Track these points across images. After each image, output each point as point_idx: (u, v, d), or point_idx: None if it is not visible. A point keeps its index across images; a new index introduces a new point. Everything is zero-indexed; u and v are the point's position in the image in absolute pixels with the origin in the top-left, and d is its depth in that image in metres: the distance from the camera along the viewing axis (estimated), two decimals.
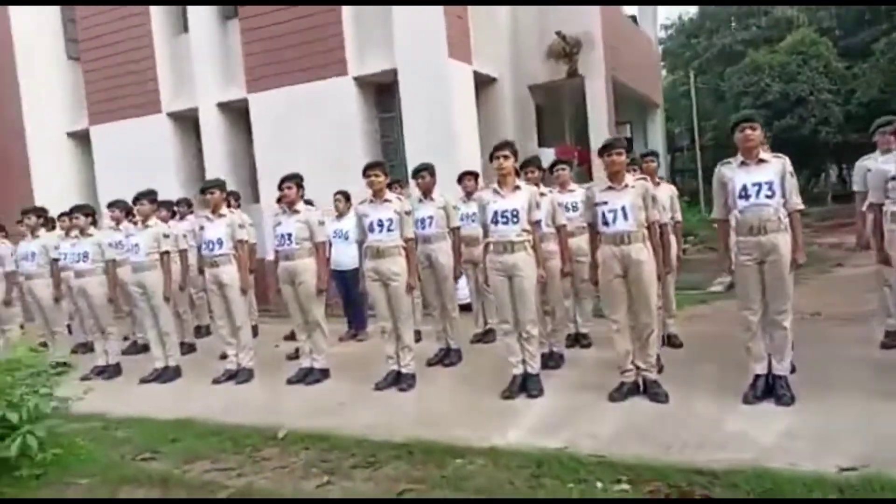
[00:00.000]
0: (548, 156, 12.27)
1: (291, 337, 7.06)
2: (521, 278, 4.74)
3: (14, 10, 12.58)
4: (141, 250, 6.09)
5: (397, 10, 9.49)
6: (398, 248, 5.22)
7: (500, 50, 11.08)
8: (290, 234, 5.60)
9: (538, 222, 4.94)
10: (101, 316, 6.45)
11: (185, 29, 11.83)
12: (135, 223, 6.53)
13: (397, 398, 5.16)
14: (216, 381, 6.04)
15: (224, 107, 11.38)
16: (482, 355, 6.23)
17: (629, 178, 4.57)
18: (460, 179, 6.76)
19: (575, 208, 5.84)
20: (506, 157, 4.82)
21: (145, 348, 7.78)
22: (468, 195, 6.56)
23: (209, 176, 11.35)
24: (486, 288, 5.37)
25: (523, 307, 4.77)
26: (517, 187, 4.85)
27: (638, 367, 4.60)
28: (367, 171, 5.22)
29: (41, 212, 7.63)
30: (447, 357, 5.98)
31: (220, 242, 5.88)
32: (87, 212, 6.54)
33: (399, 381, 5.30)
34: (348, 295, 7.53)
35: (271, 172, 9.45)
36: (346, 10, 9.98)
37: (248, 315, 6.42)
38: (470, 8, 10.22)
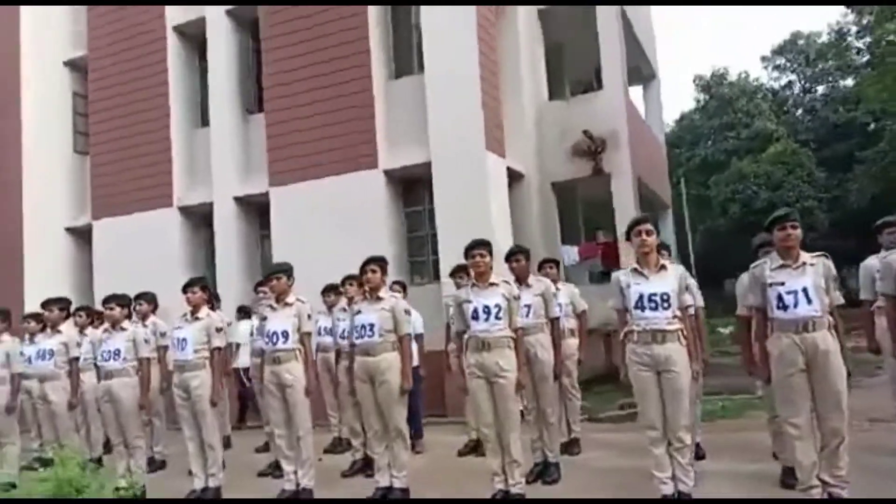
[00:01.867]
0: (571, 253, 12.01)
1: (265, 449, 6.62)
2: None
3: (25, 102, 12.26)
4: (189, 346, 5.36)
5: (432, 101, 9.37)
6: (507, 339, 4.62)
7: (527, 145, 10.99)
8: (371, 325, 5.02)
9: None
10: (128, 425, 5.57)
11: (204, 123, 11.63)
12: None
13: None
14: None
15: (241, 201, 10.97)
16: (578, 468, 5.52)
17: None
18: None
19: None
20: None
21: (163, 465, 6.96)
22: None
23: (221, 272, 10.81)
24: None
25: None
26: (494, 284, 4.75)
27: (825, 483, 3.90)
28: (473, 250, 4.66)
29: (64, 303, 6.88)
30: (546, 473, 5.20)
31: (286, 335, 5.18)
32: (123, 302, 5.79)
33: None
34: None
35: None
36: (379, 103, 9.85)
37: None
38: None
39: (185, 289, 5.52)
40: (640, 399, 4.24)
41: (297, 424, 5.14)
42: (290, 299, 5.29)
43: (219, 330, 5.60)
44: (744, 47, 61.03)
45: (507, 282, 4.75)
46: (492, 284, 4.64)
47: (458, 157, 9.14)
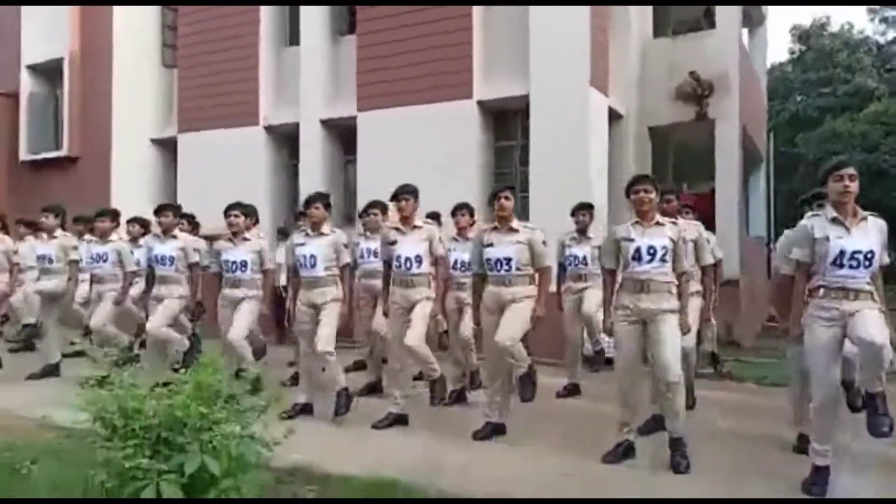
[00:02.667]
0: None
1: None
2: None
3: (116, 14, 12.19)
4: (319, 263, 5.27)
5: (536, 30, 8.81)
6: (670, 284, 4.22)
7: (628, 85, 10.35)
8: (508, 259, 4.73)
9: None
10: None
11: (293, 42, 11.36)
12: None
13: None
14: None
15: (327, 123, 10.75)
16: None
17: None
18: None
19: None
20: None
21: None
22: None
23: (305, 194, 10.69)
24: None
25: None
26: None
27: None
28: (636, 185, 4.23)
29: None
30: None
31: (419, 260, 5.09)
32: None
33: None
34: None
35: (371, 195, 8.76)
36: (478, 30, 9.35)
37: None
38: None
39: (307, 205, 5.37)
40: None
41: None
42: (417, 222, 5.21)
43: (346, 246, 5.51)
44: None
45: (674, 222, 4.33)
46: (657, 224, 4.21)
47: (561, 91, 8.62)
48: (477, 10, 9.38)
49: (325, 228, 5.32)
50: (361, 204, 9.80)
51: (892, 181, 23.45)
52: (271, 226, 10.34)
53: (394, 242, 5.11)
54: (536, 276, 4.77)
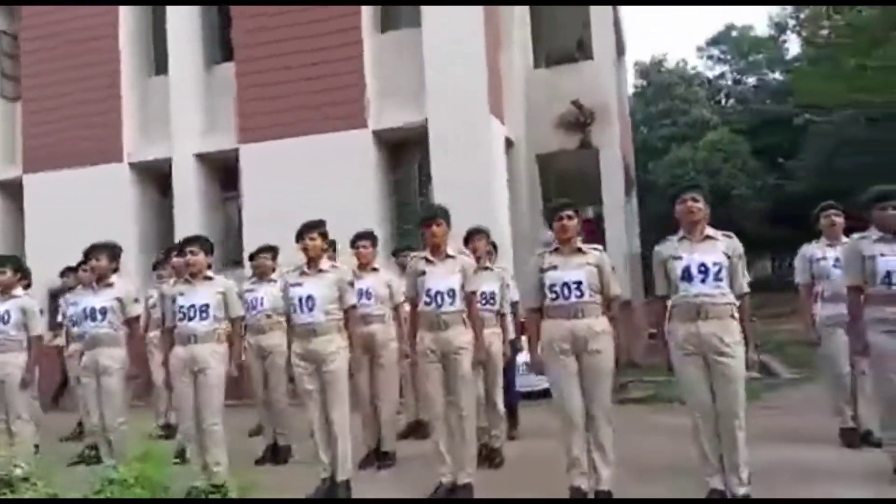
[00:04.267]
0: (545, 233, 11.62)
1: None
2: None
3: None
4: (317, 306, 4.22)
5: (431, 58, 8.65)
6: (730, 306, 3.75)
7: (516, 113, 10.46)
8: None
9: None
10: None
11: (159, 71, 10.45)
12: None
13: None
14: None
15: (203, 158, 9.92)
16: None
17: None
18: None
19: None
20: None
21: None
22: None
23: (179, 235, 9.74)
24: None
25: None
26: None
27: None
28: (684, 193, 3.76)
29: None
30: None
31: (453, 295, 4.00)
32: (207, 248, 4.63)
33: None
34: None
35: (257, 233, 8.19)
36: (369, 56, 9.05)
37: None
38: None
39: (300, 236, 4.35)
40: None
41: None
42: (450, 251, 4.23)
43: (351, 284, 4.55)
44: (681, 36, 62.57)
45: (728, 235, 3.81)
46: (708, 238, 3.73)
47: (460, 120, 8.50)
48: (367, 35, 9.11)
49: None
50: (249, 245, 9.14)
51: (736, 202, 25.76)
52: (144, 270, 9.28)
53: (423, 273, 4.11)
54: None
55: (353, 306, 4.33)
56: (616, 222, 10.52)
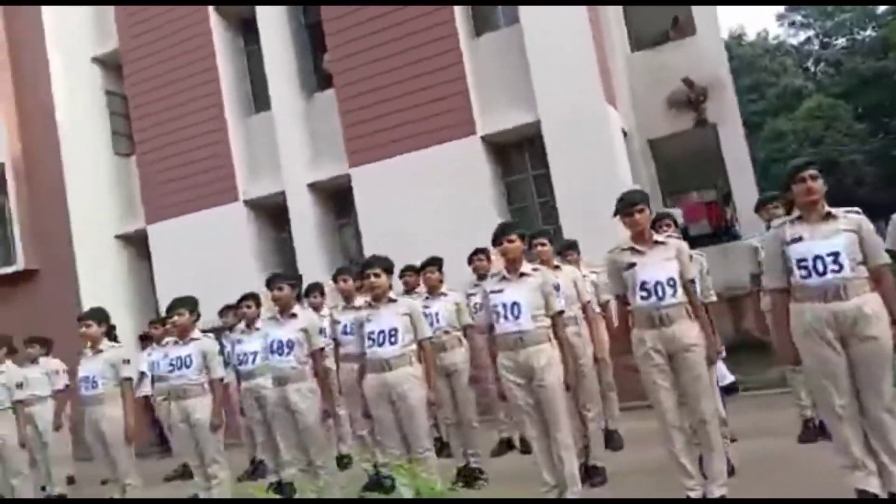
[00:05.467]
0: (676, 216, 11.03)
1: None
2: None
3: (59, 104, 11.17)
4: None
5: (535, 54, 8.34)
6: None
7: (623, 100, 9.99)
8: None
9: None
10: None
11: (259, 109, 10.61)
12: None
13: None
14: None
15: (315, 187, 9.94)
16: None
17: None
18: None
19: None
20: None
21: None
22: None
23: (301, 265, 9.76)
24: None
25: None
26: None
27: None
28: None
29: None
30: None
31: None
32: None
33: None
34: None
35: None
36: (469, 62, 8.84)
37: None
38: None
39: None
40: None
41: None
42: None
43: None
44: (757, 8, 59.70)
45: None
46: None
47: (575, 112, 8.10)
48: (464, 40, 8.89)
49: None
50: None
51: (842, 171, 24.10)
52: (268, 303, 9.32)
53: (632, 266, 3.64)
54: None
55: (561, 312, 3.94)
56: (750, 200, 9.79)
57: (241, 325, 5.43)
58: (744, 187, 9.93)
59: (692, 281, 3.66)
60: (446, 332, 4.91)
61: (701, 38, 10.40)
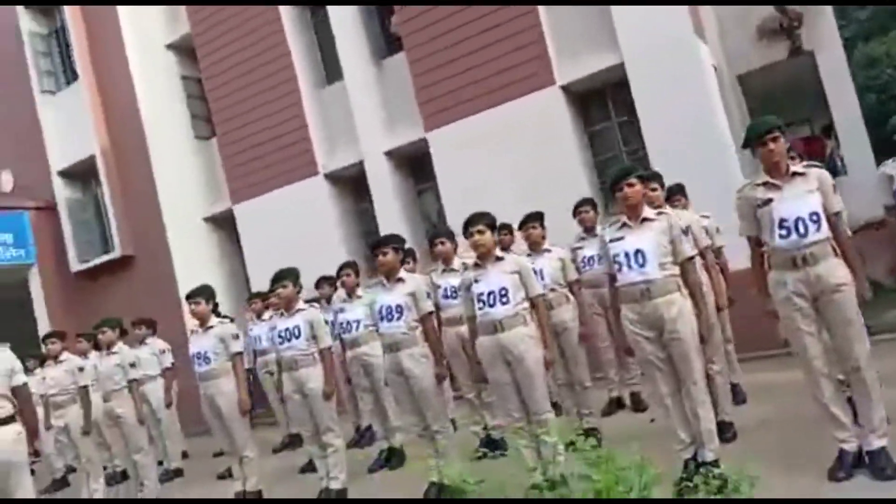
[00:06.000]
0: None
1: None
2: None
3: (140, 92, 11.45)
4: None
5: None
6: None
7: (710, 35, 9.34)
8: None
9: None
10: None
11: (331, 80, 10.55)
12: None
13: None
14: None
15: (392, 155, 9.84)
16: None
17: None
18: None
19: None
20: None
21: None
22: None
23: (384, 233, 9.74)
24: None
25: None
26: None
27: None
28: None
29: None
30: None
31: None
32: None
33: None
34: None
35: (461, 217, 7.84)
36: (543, 10, 8.42)
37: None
38: None
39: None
40: None
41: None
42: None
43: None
44: None
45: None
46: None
47: (664, 50, 7.58)
48: None
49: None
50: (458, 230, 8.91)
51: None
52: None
53: (768, 202, 3.35)
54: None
55: (691, 258, 3.67)
56: (856, 135, 9.08)
57: (342, 294, 5.40)
58: (848, 118, 9.18)
59: (837, 214, 3.31)
60: (552, 290, 4.70)
61: None
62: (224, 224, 11.61)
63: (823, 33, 9.25)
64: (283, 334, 4.61)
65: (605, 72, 8.16)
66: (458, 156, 9.00)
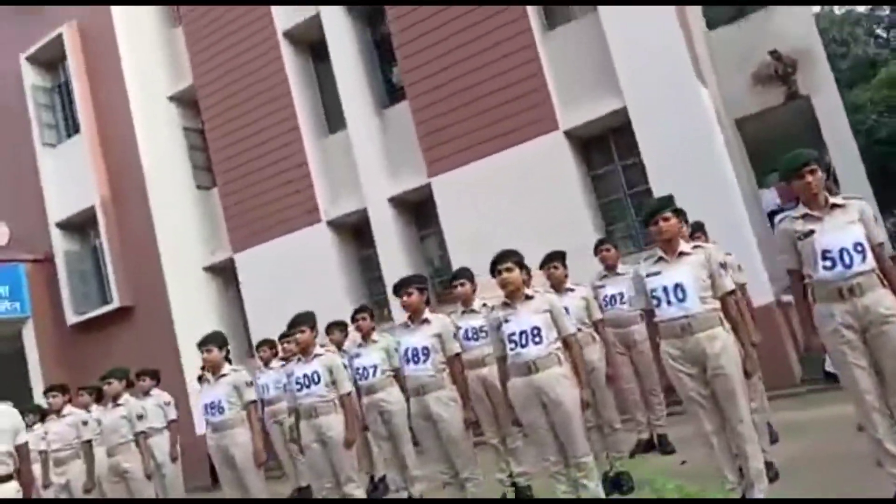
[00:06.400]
0: (769, 198, 10.51)
1: None
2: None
3: (143, 148, 11.47)
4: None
5: (616, 38, 8.00)
6: None
7: (707, 80, 9.53)
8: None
9: None
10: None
11: (333, 130, 10.65)
12: None
13: None
14: None
15: (395, 201, 9.84)
16: None
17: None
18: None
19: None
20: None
21: None
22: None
23: (388, 280, 9.65)
24: None
25: None
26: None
27: None
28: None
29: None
30: None
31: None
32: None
33: None
34: None
35: (466, 262, 7.77)
36: (544, 55, 8.59)
37: None
38: None
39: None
40: None
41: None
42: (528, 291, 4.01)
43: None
44: None
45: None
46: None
47: (666, 94, 7.72)
48: (538, 35, 8.65)
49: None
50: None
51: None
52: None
53: (810, 234, 3.33)
54: None
55: (732, 292, 3.57)
56: (855, 174, 9.20)
57: (356, 339, 5.29)
58: (846, 158, 9.32)
59: (881, 244, 3.29)
60: (578, 330, 4.63)
61: (785, 9, 9.88)
62: (224, 273, 11.51)
63: (819, 78, 9.48)
64: (300, 380, 4.48)
65: (608, 116, 8.27)
66: (462, 201, 9.02)
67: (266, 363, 6.88)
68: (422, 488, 5.00)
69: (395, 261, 9.68)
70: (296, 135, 10.49)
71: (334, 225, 10.33)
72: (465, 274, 4.83)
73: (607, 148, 8.80)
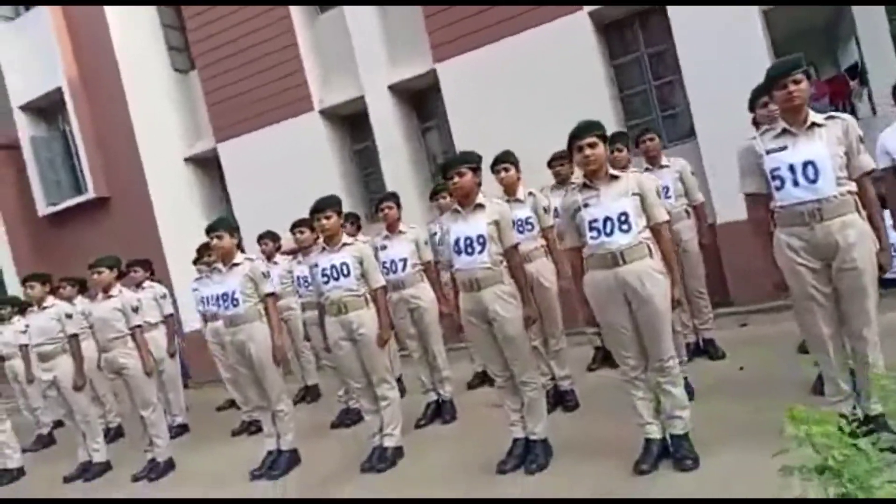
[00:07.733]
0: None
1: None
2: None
3: (113, 26, 10.36)
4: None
5: None
6: None
7: None
8: None
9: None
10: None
11: (323, 9, 9.68)
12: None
13: None
14: None
15: (396, 89, 9.09)
16: None
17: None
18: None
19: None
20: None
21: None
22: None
23: (389, 180, 9.06)
24: None
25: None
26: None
27: None
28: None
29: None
30: None
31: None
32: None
33: None
34: None
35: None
36: None
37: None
38: None
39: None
40: None
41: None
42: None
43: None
44: None
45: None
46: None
47: None
48: None
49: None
50: None
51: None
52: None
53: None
54: None
55: (871, 171, 3.07)
56: (888, 73, 8.63)
57: (382, 231, 4.79)
58: (880, 54, 8.74)
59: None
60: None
61: None
62: (207, 165, 10.77)
63: None
64: (328, 272, 3.99)
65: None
66: (471, 90, 8.32)
67: (269, 257, 6.38)
68: (451, 389, 4.66)
69: (395, 155, 9.07)
70: (283, 11, 9.51)
71: (328, 114, 9.57)
72: (510, 158, 4.30)
73: (633, 33, 8.10)
